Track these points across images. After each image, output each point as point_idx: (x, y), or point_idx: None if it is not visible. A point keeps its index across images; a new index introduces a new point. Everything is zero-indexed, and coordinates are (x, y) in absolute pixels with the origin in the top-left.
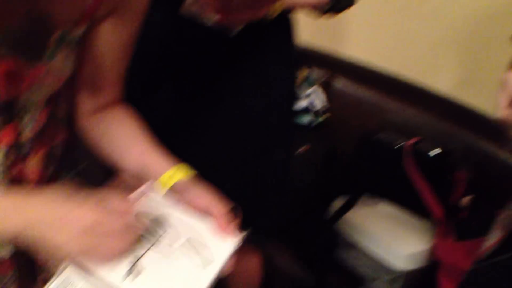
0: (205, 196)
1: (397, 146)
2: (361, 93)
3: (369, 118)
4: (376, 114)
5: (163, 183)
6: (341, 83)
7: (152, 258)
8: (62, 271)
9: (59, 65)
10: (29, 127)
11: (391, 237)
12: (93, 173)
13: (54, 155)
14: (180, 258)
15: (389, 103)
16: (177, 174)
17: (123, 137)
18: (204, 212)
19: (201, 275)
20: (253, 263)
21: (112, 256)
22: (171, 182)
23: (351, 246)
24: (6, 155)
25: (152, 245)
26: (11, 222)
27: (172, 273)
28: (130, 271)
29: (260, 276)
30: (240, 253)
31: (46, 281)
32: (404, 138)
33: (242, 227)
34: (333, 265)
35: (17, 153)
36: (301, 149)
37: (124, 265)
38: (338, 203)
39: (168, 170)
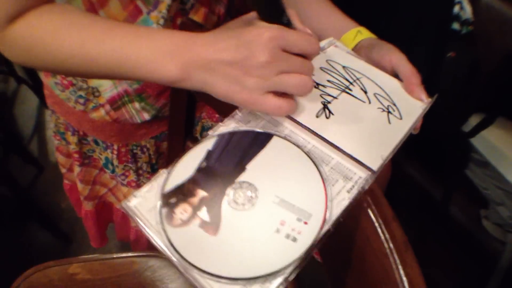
0: (394, 54)
1: None
2: (507, 12)
3: None
4: None
5: (347, 41)
6: None
7: (344, 101)
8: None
9: None
10: None
11: None
12: None
13: (214, 16)
14: (371, 108)
15: None
16: (360, 34)
17: None
18: (391, 71)
19: (391, 131)
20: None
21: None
22: (356, 40)
23: (482, 165)
24: (171, 5)
25: (346, 88)
26: (174, 64)
27: (363, 121)
28: (322, 111)
29: (387, 180)
30: None
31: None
32: None
33: None
34: (461, 181)
35: (181, 4)
36: (448, 54)
37: (315, 106)
38: (473, 120)
39: (350, 30)
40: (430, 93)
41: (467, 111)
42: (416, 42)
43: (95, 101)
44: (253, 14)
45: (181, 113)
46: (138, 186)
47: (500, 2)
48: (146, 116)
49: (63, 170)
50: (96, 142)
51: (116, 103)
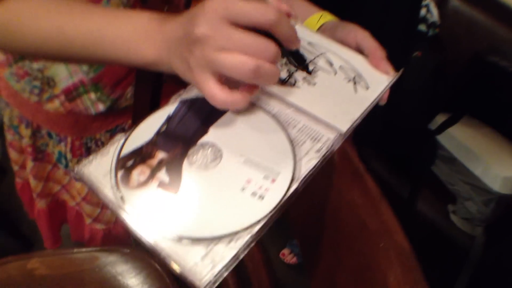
0: (358, 31)
1: (509, 70)
2: (474, 15)
3: (478, 41)
4: (486, 38)
5: (311, 25)
6: (454, 2)
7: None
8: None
9: None
10: None
11: (490, 157)
12: None
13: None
14: (338, 78)
15: (500, 30)
16: (324, 17)
17: None
18: (356, 49)
19: (358, 99)
20: None
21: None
22: (320, 23)
23: (449, 161)
24: None
25: (311, 61)
26: (149, 45)
27: (330, 89)
28: (288, 78)
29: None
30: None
31: None
32: None
33: None
34: (428, 177)
35: None
36: (415, 54)
37: (281, 73)
38: (439, 118)
39: (313, 15)
40: (396, 92)
41: (434, 109)
42: (382, 40)
43: (50, 91)
44: None
45: (146, 92)
46: None
47: (467, 6)
48: (101, 107)
49: (15, 168)
50: (50, 135)
51: (71, 93)
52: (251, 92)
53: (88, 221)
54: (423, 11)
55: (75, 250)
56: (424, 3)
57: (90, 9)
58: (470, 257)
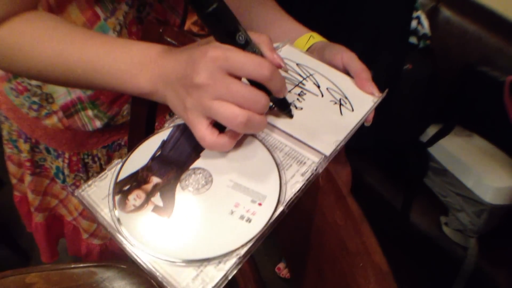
0: (345, 53)
1: (500, 80)
2: (465, 26)
3: (470, 51)
4: (478, 48)
5: (300, 46)
6: (446, 13)
7: (297, 94)
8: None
9: None
10: None
11: (482, 169)
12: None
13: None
14: (324, 101)
15: (492, 39)
16: (313, 38)
17: (254, 3)
18: (343, 70)
19: (343, 121)
20: (343, 175)
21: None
22: (309, 44)
23: (441, 173)
24: (128, 12)
25: (299, 83)
26: (144, 77)
27: (315, 112)
28: (272, 107)
29: (348, 189)
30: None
31: None
32: (504, 75)
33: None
34: (420, 189)
35: (137, 13)
36: (405, 67)
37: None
38: (431, 130)
39: (303, 35)
40: (389, 103)
41: (425, 121)
42: (377, 54)
43: (49, 107)
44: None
45: (142, 110)
46: None
47: (458, 16)
48: (98, 124)
49: (14, 181)
50: (48, 150)
51: (69, 110)
52: (237, 137)
53: (85, 236)
54: (414, 23)
55: (73, 265)
56: (415, 15)
57: (92, 37)
58: (463, 268)
